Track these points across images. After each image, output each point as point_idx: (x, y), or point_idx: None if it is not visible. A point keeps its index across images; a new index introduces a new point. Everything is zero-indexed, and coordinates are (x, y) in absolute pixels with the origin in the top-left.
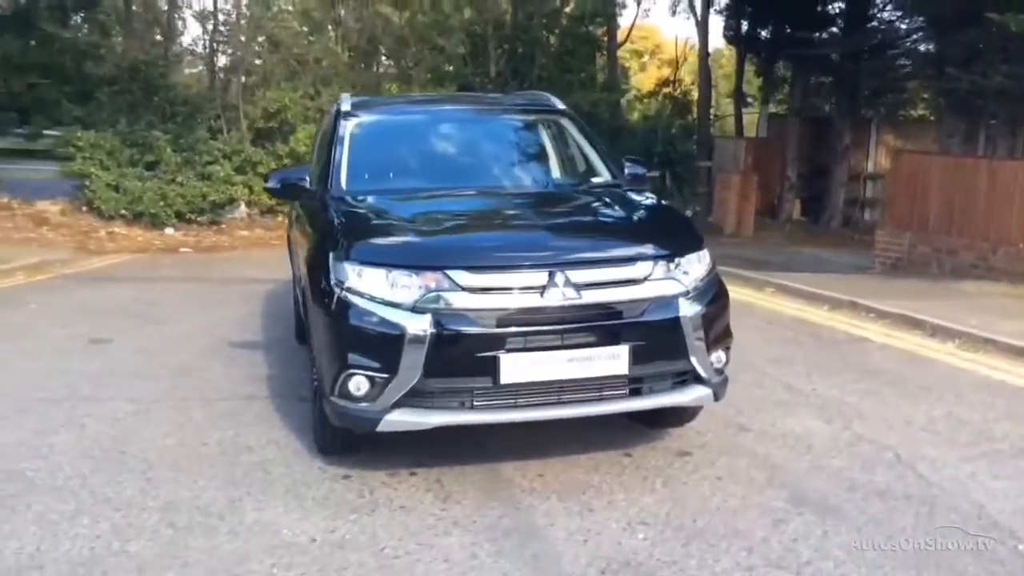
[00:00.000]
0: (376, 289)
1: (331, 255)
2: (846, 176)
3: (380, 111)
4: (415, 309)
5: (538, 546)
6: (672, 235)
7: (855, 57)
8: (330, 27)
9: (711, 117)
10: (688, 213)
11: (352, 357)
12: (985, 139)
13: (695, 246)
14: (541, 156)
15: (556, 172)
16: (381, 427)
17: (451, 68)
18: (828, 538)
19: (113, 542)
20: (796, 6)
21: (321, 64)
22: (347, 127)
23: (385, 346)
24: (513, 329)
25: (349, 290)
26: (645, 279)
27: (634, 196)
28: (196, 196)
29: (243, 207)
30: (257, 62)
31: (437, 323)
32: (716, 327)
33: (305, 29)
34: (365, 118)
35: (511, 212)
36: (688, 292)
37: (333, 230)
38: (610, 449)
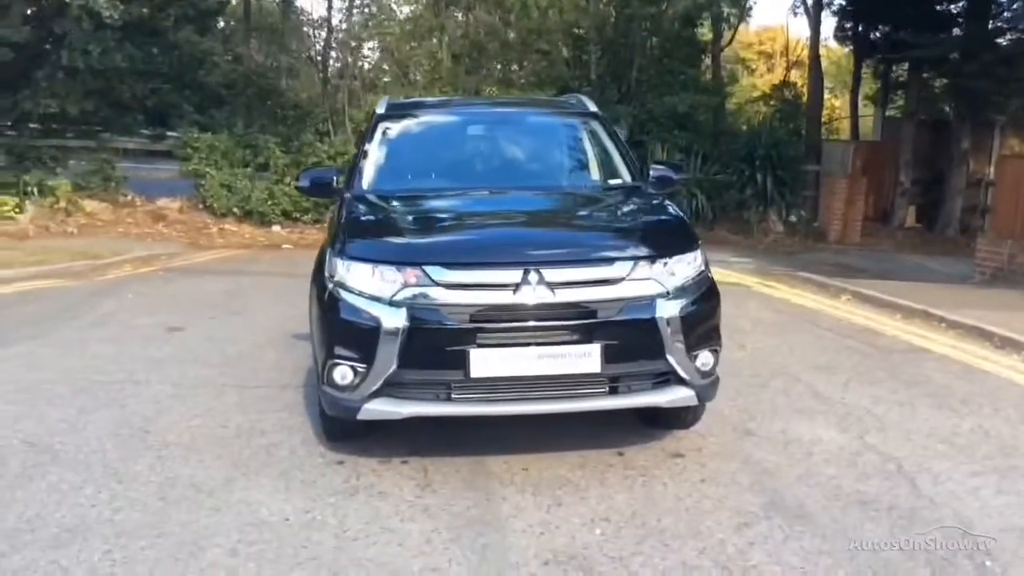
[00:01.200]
0: (362, 283)
1: (329, 250)
2: (964, 182)
3: (413, 113)
4: (392, 303)
5: (493, 536)
6: (661, 236)
7: (974, 58)
8: (436, 33)
9: (823, 119)
10: (792, 218)
11: (337, 347)
12: None
13: (684, 248)
14: (561, 157)
15: (574, 173)
16: (361, 415)
17: (556, 71)
18: (787, 543)
19: (105, 511)
20: (912, 6)
21: (424, 69)
22: (378, 129)
23: (363, 338)
24: (483, 325)
25: (339, 284)
26: (622, 279)
27: (640, 198)
28: (301, 195)
29: None
30: (366, 67)
31: (412, 317)
32: (700, 329)
33: (410, 35)
34: (397, 120)
35: (510, 211)
36: (668, 293)
37: (338, 227)
38: (604, 447)
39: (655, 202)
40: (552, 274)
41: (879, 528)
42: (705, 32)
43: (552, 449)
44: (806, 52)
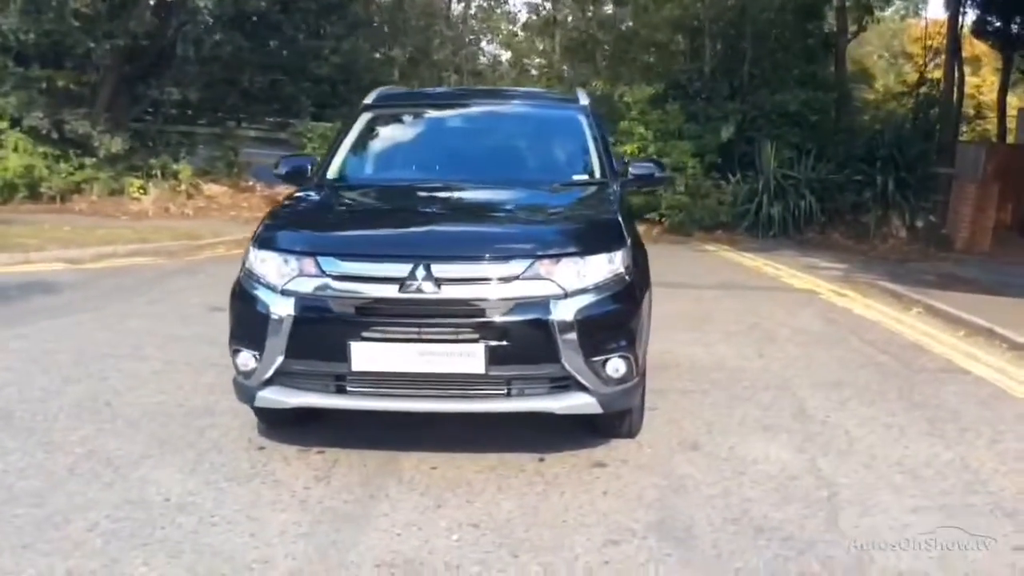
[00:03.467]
0: (265, 272)
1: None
2: None
3: (399, 104)
4: (283, 292)
5: (349, 533)
6: (577, 235)
7: None
8: (550, 26)
9: (960, 118)
10: (918, 223)
11: (238, 334)
12: None
13: (598, 248)
14: (533, 151)
15: (540, 167)
16: (256, 403)
17: (668, 65)
18: (645, 567)
19: (11, 477)
20: None
21: (537, 62)
22: (361, 119)
23: (257, 326)
24: (365, 318)
25: (247, 271)
26: (516, 278)
27: (589, 196)
28: None
29: None
30: (482, 60)
31: (299, 307)
32: (604, 334)
33: (518, 28)
34: (380, 111)
35: (438, 205)
36: (566, 294)
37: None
38: (528, 451)
39: (598, 200)
40: (440, 269)
41: (757, 559)
42: (821, 24)
43: (475, 450)
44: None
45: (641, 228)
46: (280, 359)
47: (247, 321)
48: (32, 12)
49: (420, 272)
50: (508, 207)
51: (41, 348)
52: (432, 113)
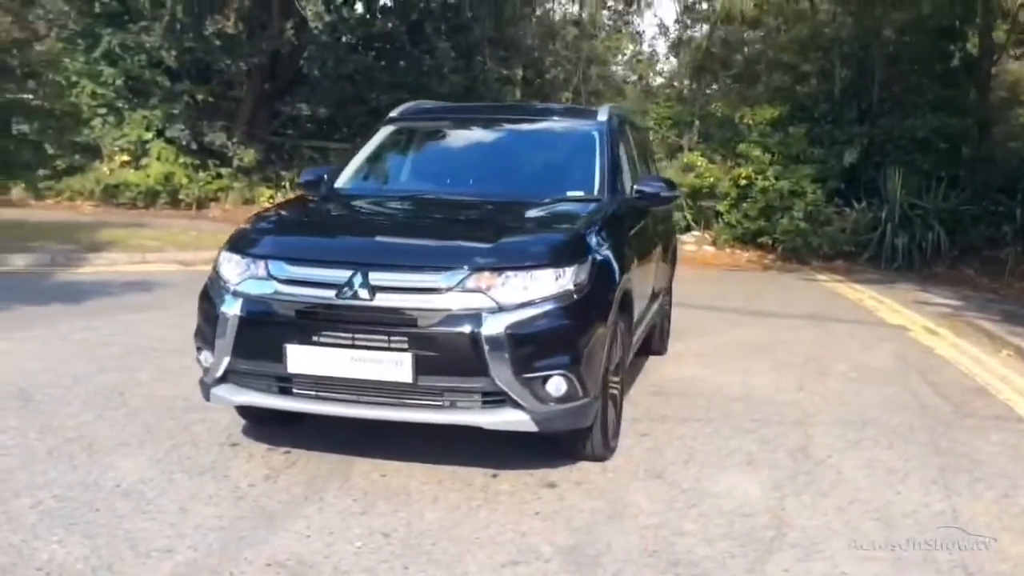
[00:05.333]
0: (226, 273)
1: None
2: None
3: (420, 118)
4: (234, 294)
5: (261, 533)
6: (526, 249)
7: None
8: (682, 48)
9: None
10: None
11: (199, 331)
12: None
13: (546, 263)
14: (534, 167)
15: (538, 184)
16: (211, 400)
17: (797, 88)
18: None
19: None
20: None
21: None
22: (381, 131)
23: (212, 325)
24: (303, 321)
25: (215, 271)
26: (450, 289)
27: (565, 212)
28: None
29: None
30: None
31: (245, 308)
32: (542, 351)
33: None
34: (401, 124)
35: (411, 216)
36: (500, 308)
37: None
38: (483, 466)
39: (575, 216)
40: (377, 277)
41: None
42: (965, 46)
43: (435, 460)
44: None
45: (754, 255)
46: (228, 358)
47: (205, 319)
48: (175, 31)
49: (357, 279)
50: (474, 220)
51: (101, 340)
52: (451, 128)
